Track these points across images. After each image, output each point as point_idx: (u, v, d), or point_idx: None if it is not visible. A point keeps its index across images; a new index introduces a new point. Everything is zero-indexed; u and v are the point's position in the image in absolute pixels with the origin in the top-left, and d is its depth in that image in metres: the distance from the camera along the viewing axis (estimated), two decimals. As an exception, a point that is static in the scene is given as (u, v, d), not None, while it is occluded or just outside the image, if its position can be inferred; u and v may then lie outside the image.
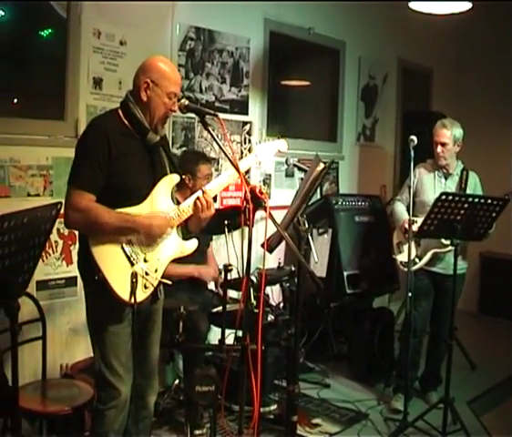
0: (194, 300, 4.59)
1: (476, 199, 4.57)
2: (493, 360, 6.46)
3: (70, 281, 4.72)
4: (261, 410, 4.56)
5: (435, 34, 7.45)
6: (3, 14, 4.50)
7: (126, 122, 3.27)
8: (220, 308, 4.48)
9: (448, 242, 4.86)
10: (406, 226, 5.04)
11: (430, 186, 5.23)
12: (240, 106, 5.85)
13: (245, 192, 3.06)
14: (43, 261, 4.54)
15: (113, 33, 4.86)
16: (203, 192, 3.30)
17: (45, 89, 4.86)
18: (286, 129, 6.24)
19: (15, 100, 4.73)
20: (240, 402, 3.39)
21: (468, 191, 5.14)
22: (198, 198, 3.29)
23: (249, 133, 5.90)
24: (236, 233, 4.69)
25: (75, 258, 4.47)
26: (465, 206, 4.52)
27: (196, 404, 4.25)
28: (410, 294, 4.79)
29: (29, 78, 4.76)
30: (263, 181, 6.11)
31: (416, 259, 5.11)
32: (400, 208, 5.35)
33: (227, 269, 4.03)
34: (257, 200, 3.06)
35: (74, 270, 4.63)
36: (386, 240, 5.84)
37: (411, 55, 7.93)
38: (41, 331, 4.12)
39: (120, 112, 3.30)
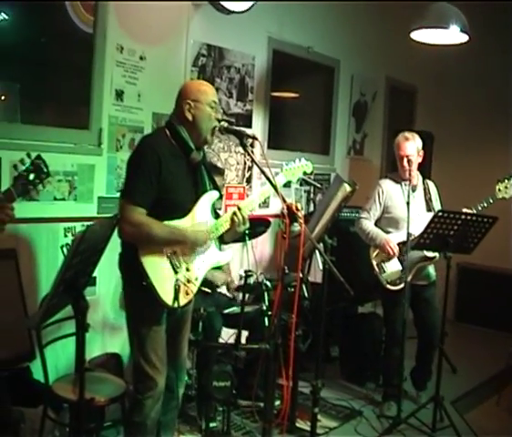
0: (208, 301, 4.92)
1: (469, 217, 4.92)
2: (472, 364, 6.88)
3: (91, 281, 4.95)
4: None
5: (420, 53, 7.87)
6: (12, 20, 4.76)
7: (172, 141, 3.59)
8: (232, 309, 4.84)
9: (431, 255, 5.21)
10: (391, 243, 5.23)
11: (400, 200, 5.29)
12: (245, 120, 6.18)
13: (282, 208, 3.41)
14: (66, 262, 4.82)
15: (134, 48, 5.14)
16: (239, 208, 3.64)
17: (70, 99, 5.14)
18: (284, 142, 6.60)
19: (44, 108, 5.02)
20: (267, 400, 3.72)
21: (433, 201, 5.41)
22: (234, 214, 3.63)
23: (252, 145, 6.23)
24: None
25: (96, 259, 4.81)
26: (459, 222, 4.85)
27: (213, 399, 4.58)
28: (405, 303, 5.07)
29: (56, 88, 5.02)
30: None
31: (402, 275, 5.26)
32: (372, 226, 5.41)
33: (247, 274, 4.38)
34: (293, 216, 3.42)
35: (96, 272, 4.92)
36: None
37: (398, 74, 8.36)
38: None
39: (167, 131, 3.62)
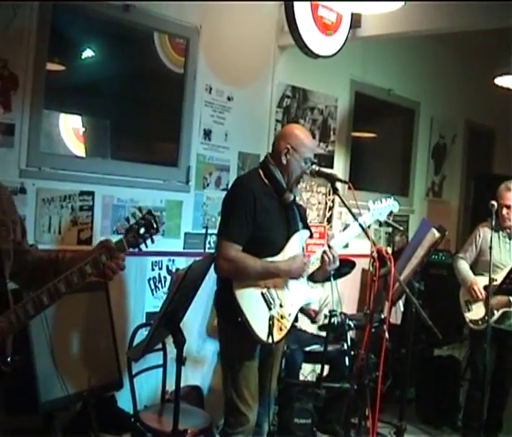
0: (290, 338, 4.99)
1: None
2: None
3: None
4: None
5: (499, 95, 7.86)
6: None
7: (266, 181, 3.71)
8: (314, 347, 4.90)
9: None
10: (475, 287, 5.32)
11: (495, 246, 5.35)
12: (327, 161, 6.26)
13: (372, 251, 3.48)
14: (152, 294, 4.98)
15: (222, 89, 5.31)
16: (329, 247, 3.73)
17: (159, 136, 5.34)
18: (364, 183, 6.65)
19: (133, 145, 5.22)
20: None
21: None
22: (325, 253, 3.72)
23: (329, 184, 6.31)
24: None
25: (180, 293, 4.94)
26: None
27: (294, 435, 4.64)
28: (485, 346, 5.07)
29: (145, 125, 5.22)
30: (344, 230, 6.51)
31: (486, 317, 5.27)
32: (465, 267, 5.52)
33: (331, 314, 4.45)
34: (382, 259, 3.48)
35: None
36: (456, 293, 6.22)
37: (477, 116, 8.36)
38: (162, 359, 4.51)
39: (261, 172, 3.74)
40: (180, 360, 3.03)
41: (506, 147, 8.86)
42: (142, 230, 2.83)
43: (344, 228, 6.43)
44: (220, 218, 4.06)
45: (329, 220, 6.40)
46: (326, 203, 6.33)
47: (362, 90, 6.66)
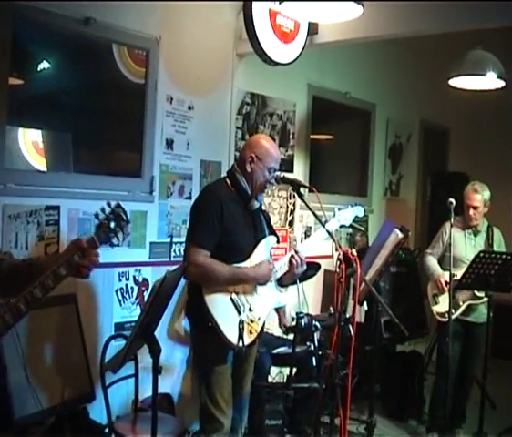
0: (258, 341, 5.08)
1: (509, 257, 5.15)
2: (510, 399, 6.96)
3: (143, 324, 5.15)
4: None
5: (453, 95, 8.05)
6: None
7: (232, 189, 3.80)
8: (282, 349, 4.99)
9: (481, 294, 5.41)
10: (442, 280, 5.57)
11: (461, 242, 5.69)
12: (287, 165, 6.35)
13: (338, 254, 3.59)
14: (120, 305, 5.01)
15: (183, 99, 5.36)
16: (296, 252, 3.83)
17: (121, 146, 5.38)
18: (324, 185, 6.77)
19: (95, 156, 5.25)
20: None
21: (494, 246, 5.68)
22: (292, 257, 3.82)
23: (293, 189, 6.40)
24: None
25: (148, 302, 4.99)
26: (499, 262, 5.14)
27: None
28: (448, 339, 5.26)
29: (106, 136, 5.25)
30: (305, 233, 6.64)
31: (452, 310, 5.56)
32: (433, 262, 5.80)
33: (299, 316, 4.54)
34: (348, 261, 3.59)
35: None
36: (416, 290, 6.39)
37: (431, 116, 8.55)
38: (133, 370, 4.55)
39: (228, 180, 3.83)
40: (157, 369, 3.09)
41: (459, 146, 9.11)
42: (113, 224, 2.87)
43: (306, 233, 6.62)
44: (187, 225, 4.12)
45: (290, 224, 6.49)
46: (287, 207, 6.43)
47: (319, 94, 6.77)
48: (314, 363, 4.98)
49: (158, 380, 3.12)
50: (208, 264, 3.65)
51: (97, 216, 2.92)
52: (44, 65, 4.83)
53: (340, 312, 3.65)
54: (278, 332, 5.53)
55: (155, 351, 3.08)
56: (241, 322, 3.67)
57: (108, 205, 2.99)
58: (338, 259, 3.60)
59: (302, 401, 5.17)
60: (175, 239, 5.30)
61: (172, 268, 4.92)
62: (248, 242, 3.82)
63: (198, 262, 3.64)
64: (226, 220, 3.69)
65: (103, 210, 2.94)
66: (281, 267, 3.85)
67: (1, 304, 2.60)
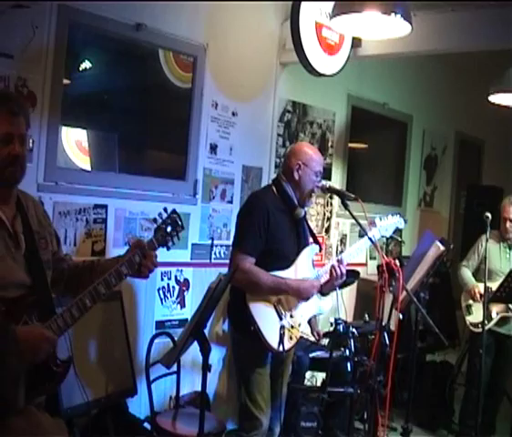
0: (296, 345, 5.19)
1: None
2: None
3: (183, 323, 5.23)
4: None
5: (488, 108, 8.11)
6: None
7: (278, 197, 3.92)
8: (318, 353, 5.10)
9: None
10: (476, 290, 5.68)
11: (496, 256, 5.78)
12: (325, 173, 6.35)
13: (382, 264, 3.69)
14: (161, 304, 5.15)
15: (227, 105, 5.49)
16: (338, 262, 3.94)
17: (166, 149, 5.51)
18: (360, 193, 6.81)
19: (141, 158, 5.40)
20: None
21: None
22: (333, 267, 3.93)
23: (331, 197, 6.53)
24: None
25: (188, 302, 5.15)
26: None
27: (299, 438, 4.85)
28: (481, 351, 5.33)
29: (152, 138, 5.42)
30: (341, 240, 6.75)
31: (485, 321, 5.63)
32: (468, 274, 5.92)
33: (337, 322, 4.65)
34: (391, 271, 3.69)
35: (186, 313, 5.25)
36: (449, 301, 6.47)
37: (466, 128, 8.63)
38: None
39: (274, 188, 3.95)
40: (206, 367, 3.21)
41: (494, 159, 9.15)
42: (169, 229, 3.07)
43: (342, 241, 6.71)
44: (233, 230, 4.25)
45: (327, 231, 6.60)
46: (324, 214, 6.53)
47: (358, 104, 6.88)
48: (349, 369, 5.08)
49: (207, 377, 3.24)
50: (253, 272, 3.77)
51: (154, 220, 3.09)
52: (91, 66, 4.98)
53: (381, 320, 3.75)
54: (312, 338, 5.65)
55: (205, 349, 3.20)
56: (282, 328, 3.80)
57: (165, 210, 3.15)
58: (381, 268, 3.69)
59: (335, 405, 5.26)
60: (216, 242, 5.43)
61: (213, 269, 5.21)
62: (292, 250, 3.95)
63: (244, 269, 3.76)
64: (272, 228, 3.82)
65: (160, 215, 3.11)
66: (322, 275, 3.97)
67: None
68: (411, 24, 3.87)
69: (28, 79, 4.20)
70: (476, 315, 5.72)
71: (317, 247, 4.08)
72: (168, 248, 3.15)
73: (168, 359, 3.48)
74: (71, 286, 3.08)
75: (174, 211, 3.17)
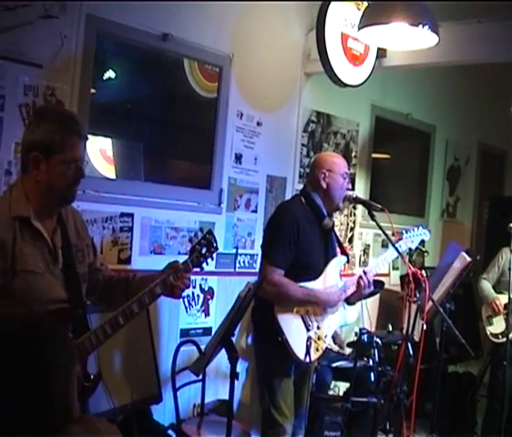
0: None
1: None
2: None
3: (207, 331, 5.27)
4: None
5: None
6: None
7: (307, 208, 3.94)
8: (341, 363, 5.10)
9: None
10: (497, 301, 5.69)
11: None
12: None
13: (407, 274, 3.70)
14: (186, 312, 5.18)
15: (252, 114, 5.52)
16: (365, 273, 3.95)
17: (190, 158, 5.55)
18: (383, 203, 6.81)
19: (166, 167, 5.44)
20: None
21: None
22: (360, 278, 3.94)
23: (354, 207, 6.54)
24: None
25: (212, 310, 5.17)
26: None
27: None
28: (505, 363, 5.34)
29: (177, 147, 5.45)
30: (363, 250, 6.76)
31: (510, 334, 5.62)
32: (487, 287, 5.92)
33: (362, 332, 4.66)
34: (418, 281, 3.70)
35: (210, 322, 5.28)
36: (471, 312, 6.45)
37: (489, 139, 8.62)
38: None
39: (302, 199, 3.97)
40: (234, 374, 3.23)
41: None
42: (204, 250, 3.09)
43: (365, 251, 6.72)
44: (262, 240, 4.25)
45: (350, 241, 6.61)
46: (348, 224, 6.55)
47: (381, 115, 6.89)
48: (373, 379, 5.08)
49: (234, 384, 3.26)
50: (283, 284, 3.80)
51: (190, 240, 3.13)
52: (117, 75, 5.03)
53: (407, 331, 3.76)
54: (336, 347, 5.66)
55: (233, 357, 3.22)
56: (309, 339, 3.82)
57: (201, 230, 3.20)
58: (407, 279, 3.71)
59: (358, 415, 5.26)
60: (240, 251, 5.45)
61: (237, 278, 5.24)
62: (320, 261, 3.97)
63: (273, 281, 3.78)
64: (302, 241, 3.84)
65: (196, 235, 3.15)
66: (349, 286, 3.98)
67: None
68: (438, 35, 3.88)
69: (56, 88, 4.24)
70: (496, 326, 5.74)
71: (345, 258, 4.10)
72: (202, 269, 3.18)
73: (198, 366, 3.50)
74: (104, 297, 3.14)
75: (210, 232, 3.21)
